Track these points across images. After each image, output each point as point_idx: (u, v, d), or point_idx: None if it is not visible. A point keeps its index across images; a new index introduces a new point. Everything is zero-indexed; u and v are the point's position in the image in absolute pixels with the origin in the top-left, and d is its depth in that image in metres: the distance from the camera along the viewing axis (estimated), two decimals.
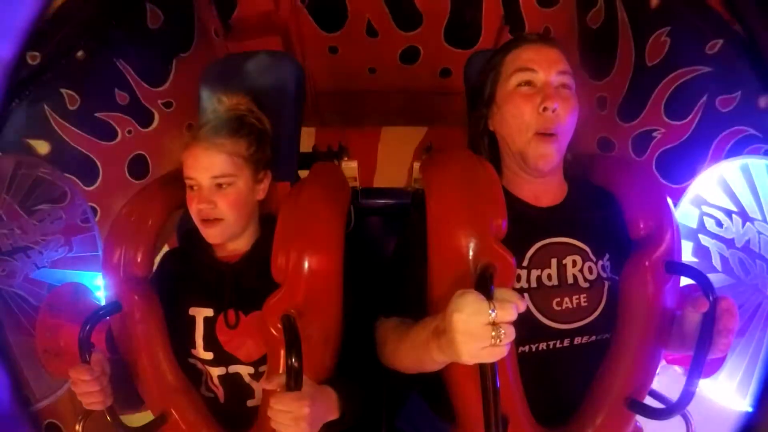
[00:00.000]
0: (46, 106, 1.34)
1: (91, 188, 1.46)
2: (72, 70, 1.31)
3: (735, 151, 1.26)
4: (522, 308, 0.72)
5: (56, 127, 1.35)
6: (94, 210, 1.48)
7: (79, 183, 1.43)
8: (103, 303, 1.11)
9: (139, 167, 1.55)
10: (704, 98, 1.29)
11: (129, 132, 1.45)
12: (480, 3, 1.43)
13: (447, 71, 1.52)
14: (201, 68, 1.31)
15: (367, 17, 1.44)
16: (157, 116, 1.47)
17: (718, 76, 1.26)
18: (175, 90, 1.53)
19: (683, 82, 1.32)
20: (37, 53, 1.20)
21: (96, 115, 1.41)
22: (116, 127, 1.43)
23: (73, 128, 1.37)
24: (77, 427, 1.05)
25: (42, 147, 1.35)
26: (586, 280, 1.00)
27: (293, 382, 0.85)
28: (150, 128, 1.45)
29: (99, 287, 1.41)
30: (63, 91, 1.34)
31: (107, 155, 1.43)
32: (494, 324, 0.70)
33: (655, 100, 1.38)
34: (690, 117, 1.32)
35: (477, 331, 0.70)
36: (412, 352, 0.91)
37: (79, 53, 1.30)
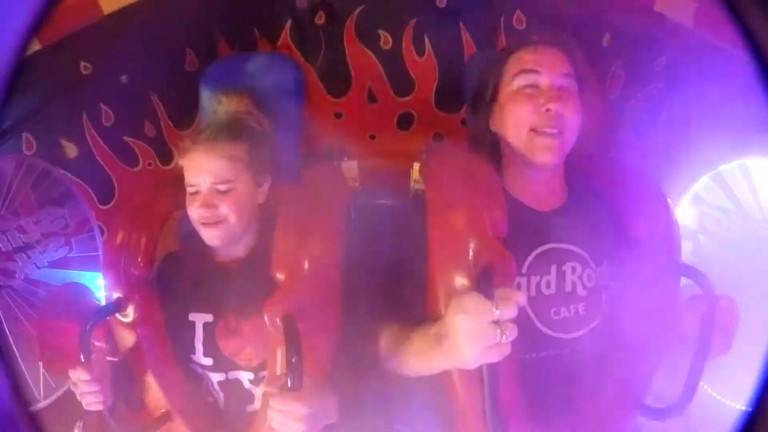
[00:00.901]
0: (84, 114, 1.43)
1: (105, 207, 1.51)
2: (114, 90, 1.43)
3: (709, 149, 1.28)
4: (522, 303, 0.73)
5: (88, 136, 1.44)
6: (101, 229, 1.52)
7: (95, 198, 1.51)
8: (103, 303, 1.11)
9: None
10: (664, 112, 1.33)
11: (149, 164, 1.54)
12: (463, 66, 1.51)
13: (439, 136, 1.58)
14: None
15: (368, 84, 1.52)
16: (176, 158, 1.54)
17: (670, 87, 1.31)
18: None
19: (643, 104, 1.39)
20: (89, 65, 1.36)
21: (124, 138, 1.50)
22: (139, 156, 1.53)
23: (102, 142, 1.47)
24: (78, 422, 1.06)
25: (71, 150, 1.45)
26: (585, 287, 0.99)
27: (293, 382, 0.85)
28: (168, 167, 1.53)
29: (99, 287, 1.41)
30: (102, 106, 1.44)
31: (126, 180, 1.52)
32: (498, 322, 0.71)
33: (623, 129, 1.43)
34: (657, 133, 1.36)
35: (482, 331, 0.71)
36: (413, 360, 0.91)
37: (124, 77, 1.42)
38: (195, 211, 1.04)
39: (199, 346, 1.08)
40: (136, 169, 1.52)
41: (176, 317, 1.09)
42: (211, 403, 1.12)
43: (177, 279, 1.13)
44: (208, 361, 1.08)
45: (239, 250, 1.11)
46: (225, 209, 1.03)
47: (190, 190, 1.05)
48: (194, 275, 1.12)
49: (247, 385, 1.08)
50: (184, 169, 1.05)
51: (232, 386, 1.09)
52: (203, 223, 1.04)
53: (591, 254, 1.01)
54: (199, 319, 1.09)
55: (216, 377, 1.09)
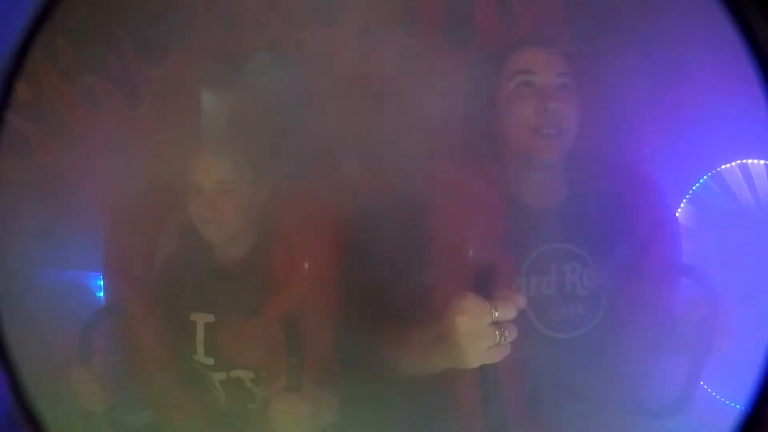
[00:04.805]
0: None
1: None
2: (71, 24, 1.23)
3: (709, 149, 1.28)
4: (522, 305, 0.73)
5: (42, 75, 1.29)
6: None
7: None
8: (103, 303, 1.11)
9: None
10: (664, 111, 1.35)
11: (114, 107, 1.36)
12: None
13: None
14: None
15: None
16: (147, 102, 1.42)
17: (670, 87, 1.33)
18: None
19: (643, 103, 1.42)
20: None
21: (84, 77, 1.33)
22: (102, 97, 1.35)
23: (59, 82, 1.31)
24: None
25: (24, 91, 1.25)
26: (584, 287, 1.00)
27: (294, 383, 0.86)
28: (137, 112, 1.38)
29: (99, 287, 1.41)
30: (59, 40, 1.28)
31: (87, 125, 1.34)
32: (497, 323, 0.71)
33: (623, 128, 1.46)
34: (657, 133, 1.39)
35: (482, 332, 0.71)
36: (413, 361, 0.92)
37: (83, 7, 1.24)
38: (197, 210, 1.04)
39: (200, 347, 1.08)
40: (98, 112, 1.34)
41: (177, 318, 1.10)
42: (212, 403, 1.12)
43: (178, 279, 1.14)
44: (209, 361, 1.08)
45: (240, 250, 1.11)
46: (226, 208, 1.04)
47: (192, 188, 1.05)
48: (195, 276, 1.13)
49: (248, 384, 1.09)
50: (187, 168, 1.06)
51: (233, 385, 1.09)
52: (204, 221, 1.05)
53: (591, 254, 1.02)
54: (201, 320, 1.09)
55: (217, 377, 1.09)
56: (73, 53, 1.30)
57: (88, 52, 1.32)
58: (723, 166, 1.26)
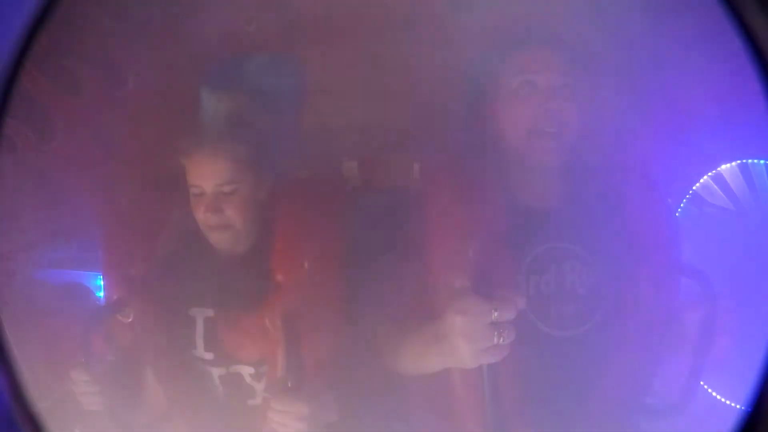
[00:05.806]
0: None
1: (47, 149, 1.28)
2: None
3: (709, 149, 1.28)
4: (521, 305, 0.73)
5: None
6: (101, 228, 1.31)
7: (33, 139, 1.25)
8: (103, 303, 1.11)
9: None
10: (664, 111, 1.36)
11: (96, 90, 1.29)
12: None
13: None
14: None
15: None
16: (131, 83, 1.38)
17: (670, 86, 1.33)
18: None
19: (643, 104, 1.42)
20: None
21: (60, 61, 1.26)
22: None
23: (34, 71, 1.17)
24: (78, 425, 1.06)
25: None
26: (584, 286, 1.00)
27: (293, 382, 0.86)
28: (120, 93, 1.36)
29: (99, 287, 1.41)
30: None
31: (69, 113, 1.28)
32: (497, 323, 0.71)
33: (623, 129, 1.47)
34: (657, 133, 1.39)
35: (480, 332, 0.71)
36: (412, 360, 0.92)
37: None
38: (202, 215, 1.05)
39: (199, 341, 1.08)
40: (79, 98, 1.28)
41: (176, 313, 1.10)
42: (211, 398, 1.12)
43: (177, 275, 1.14)
44: (209, 356, 1.08)
45: (240, 246, 1.11)
46: (231, 213, 1.04)
47: (194, 191, 1.05)
48: (194, 271, 1.13)
49: (248, 379, 1.09)
50: (187, 169, 1.06)
51: (232, 381, 1.09)
52: (210, 227, 1.05)
53: (591, 253, 1.02)
54: (200, 314, 1.09)
55: (216, 372, 1.09)
56: (46, 37, 1.26)
57: (63, 33, 1.27)
58: (723, 166, 1.26)
